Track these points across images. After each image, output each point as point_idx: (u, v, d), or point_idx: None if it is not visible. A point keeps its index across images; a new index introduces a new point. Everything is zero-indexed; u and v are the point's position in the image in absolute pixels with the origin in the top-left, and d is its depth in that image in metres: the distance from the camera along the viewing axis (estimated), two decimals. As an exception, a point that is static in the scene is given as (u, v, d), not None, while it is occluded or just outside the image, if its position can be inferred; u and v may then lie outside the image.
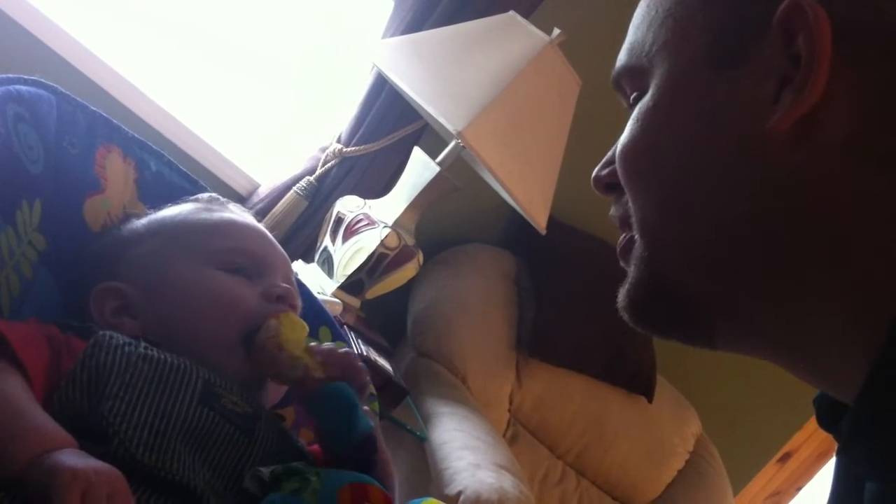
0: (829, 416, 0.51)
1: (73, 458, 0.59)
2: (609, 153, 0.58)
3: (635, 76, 0.54)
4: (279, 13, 2.15)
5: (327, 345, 0.81)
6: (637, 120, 0.53)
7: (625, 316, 0.56)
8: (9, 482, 0.58)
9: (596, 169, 0.59)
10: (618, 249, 0.57)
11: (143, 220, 0.87)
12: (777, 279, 0.46)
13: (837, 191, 0.44)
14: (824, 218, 0.44)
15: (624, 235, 0.56)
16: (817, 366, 0.48)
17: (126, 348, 0.70)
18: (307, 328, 0.82)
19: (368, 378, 0.84)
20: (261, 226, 0.91)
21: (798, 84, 0.43)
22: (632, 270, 0.55)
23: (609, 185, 0.58)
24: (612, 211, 0.58)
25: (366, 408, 0.80)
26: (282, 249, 0.91)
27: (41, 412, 0.63)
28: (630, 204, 0.54)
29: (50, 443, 0.60)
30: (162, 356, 0.72)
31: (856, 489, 0.43)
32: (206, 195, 0.94)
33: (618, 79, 0.57)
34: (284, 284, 0.85)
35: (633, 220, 0.54)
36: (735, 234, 0.48)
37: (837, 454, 0.48)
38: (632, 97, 0.55)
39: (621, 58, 0.56)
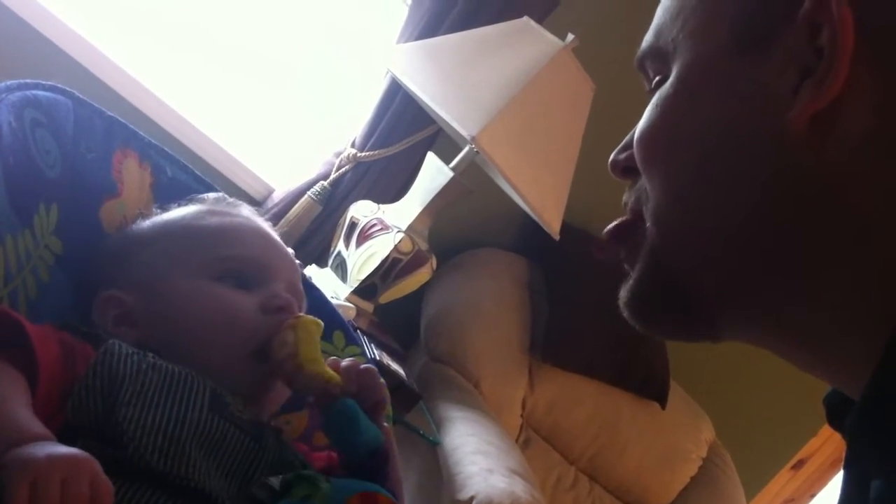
0: (839, 414, 0.51)
1: (33, 449, 0.55)
2: (627, 137, 0.57)
3: (659, 59, 0.54)
4: (286, 17, 2.16)
5: (349, 360, 0.80)
6: (657, 105, 0.53)
7: (626, 312, 0.55)
8: None
9: (613, 153, 0.59)
10: (612, 228, 0.56)
11: (148, 223, 0.86)
12: (792, 270, 0.46)
13: (856, 184, 0.43)
14: (843, 210, 0.44)
15: (623, 218, 0.56)
16: (829, 361, 0.48)
17: (134, 357, 0.70)
18: (321, 325, 0.80)
19: (387, 395, 0.84)
20: (266, 227, 0.89)
21: (818, 77, 0.43)
22: (637, 265, 0.54)
23: (626, 169, 0.57)
24: (625, 196, 0.58)
25: (385, 424, 0.79)
26: (287, 251, 0.88)
27: (23, 410, 0.60)
28: (647, 189, 0.53)
29: (17, 437, 0.56)
30: (169, 366, 0.71)
31: (864, 487, 0.43)
32: (212, 195, 0.92)
33: (642, 60, 0.56)
34: (285, 294, 0.83)
35: (648, 206, 0.53)
36: (752, 222, 0.47)
37: (846, 452, 0.48)
38: (654, 80, 0.55)
39: (647, 39, 0.55)
